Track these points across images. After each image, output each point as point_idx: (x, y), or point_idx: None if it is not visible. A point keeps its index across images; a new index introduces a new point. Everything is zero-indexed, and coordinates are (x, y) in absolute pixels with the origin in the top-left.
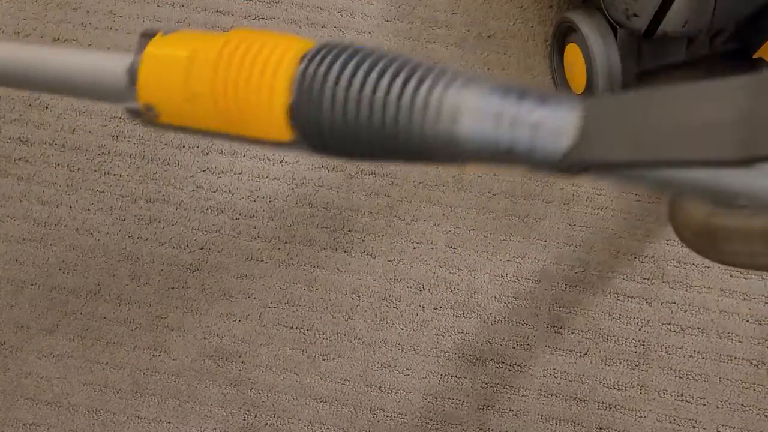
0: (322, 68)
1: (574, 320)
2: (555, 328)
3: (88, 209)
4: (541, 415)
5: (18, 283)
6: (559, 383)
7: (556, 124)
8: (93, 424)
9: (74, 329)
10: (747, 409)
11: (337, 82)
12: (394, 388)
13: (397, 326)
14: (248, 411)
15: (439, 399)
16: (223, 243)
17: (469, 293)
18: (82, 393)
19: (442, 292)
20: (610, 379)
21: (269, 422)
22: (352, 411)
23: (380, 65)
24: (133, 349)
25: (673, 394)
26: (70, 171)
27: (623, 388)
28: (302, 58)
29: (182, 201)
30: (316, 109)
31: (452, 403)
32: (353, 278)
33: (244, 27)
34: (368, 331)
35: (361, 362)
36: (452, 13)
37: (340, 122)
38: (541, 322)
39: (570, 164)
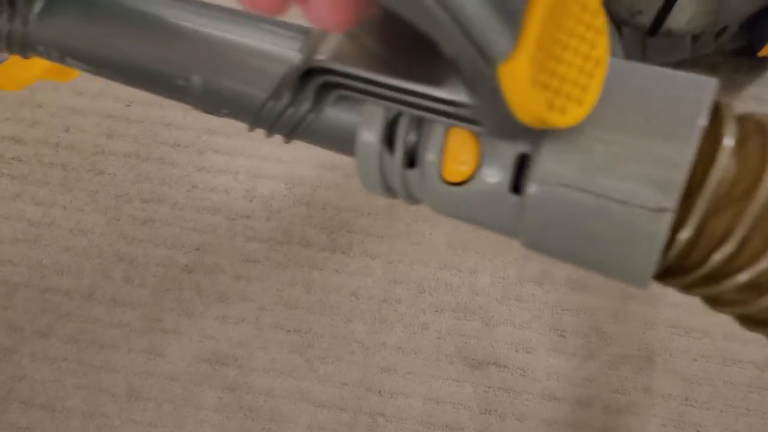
0: None
1: (577, 323)
2: (558, 331)
3: (83, 209)
4: (545, 420)
5: (12, 284)
6: (563, 387)
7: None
8: (87, 428)
9: (68, 332)
10: (752, 413)
11: None
12: (394, 393)
13: (398, 329)
14: (245, 416)
15: (440, 403)
16: (219, 244)
17: (470, 295)
18: (76, 396)
19: (443, 294)
20: (614, 383)
21: (266, 427)
22: (351, 416)
23: None
24: (128, 352)
25: (677, 398)
26: (64, 170)
27: (627, 392)
28: None
29: (177, 201)
30: None
31: (453, 408)
32: (352, 280)
33: None
34: (367, 334)
35: (361, 366)
36: None
37: None
38: (544, 325)
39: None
